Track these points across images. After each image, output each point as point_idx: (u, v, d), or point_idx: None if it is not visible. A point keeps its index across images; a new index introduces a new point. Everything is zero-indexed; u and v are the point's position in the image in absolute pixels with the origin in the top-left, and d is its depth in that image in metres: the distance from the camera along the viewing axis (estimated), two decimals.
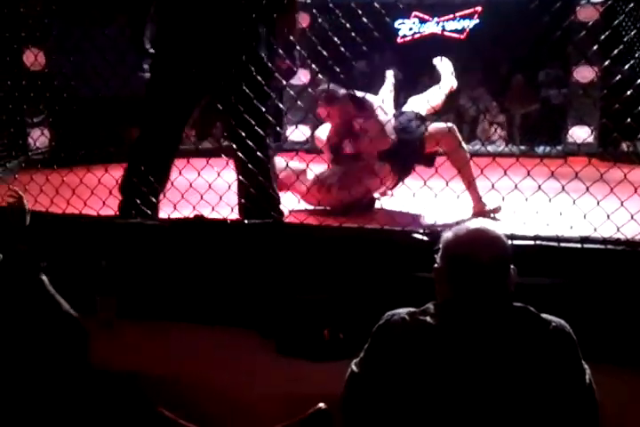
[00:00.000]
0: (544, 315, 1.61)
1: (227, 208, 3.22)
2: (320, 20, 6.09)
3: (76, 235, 3.09)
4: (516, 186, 2.77)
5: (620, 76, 3.25)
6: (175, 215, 3.17)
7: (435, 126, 3.97)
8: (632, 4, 4.55)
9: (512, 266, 1.65)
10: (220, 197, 3.22)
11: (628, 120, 3.08)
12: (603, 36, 3.43)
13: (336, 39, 3.33)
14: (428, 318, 1.60)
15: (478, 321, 1.58)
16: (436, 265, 1.68)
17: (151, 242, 3.02)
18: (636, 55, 5.62)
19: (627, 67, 3.41)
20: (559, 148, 7.67)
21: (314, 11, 7.42)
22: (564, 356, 1.56)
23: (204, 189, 3.23)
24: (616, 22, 3.95)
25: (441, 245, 1.67)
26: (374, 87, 5.08)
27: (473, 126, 8.71)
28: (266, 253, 2.86)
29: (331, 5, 3.49)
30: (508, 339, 1.55)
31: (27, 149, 5.79)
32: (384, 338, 1.63)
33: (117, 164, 3.61)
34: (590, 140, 7.10)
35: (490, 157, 2.97)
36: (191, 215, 3.10)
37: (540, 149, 7.73)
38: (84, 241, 3.04)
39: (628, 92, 3.06)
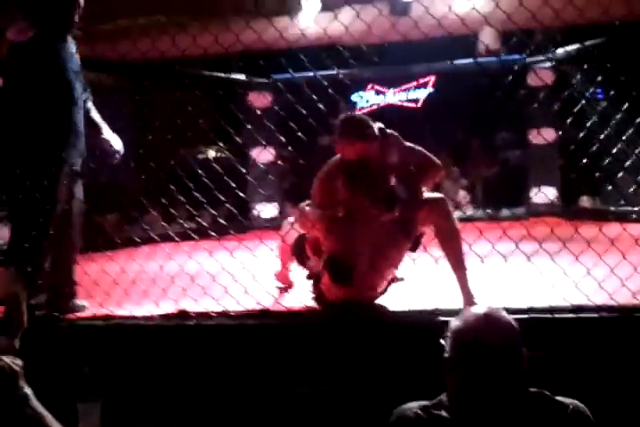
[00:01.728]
0: (559, 397, 1.55)
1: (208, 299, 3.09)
2: (274, 99, 6.21)
3: (54, 339, 2.94)
4: (504, 258, 2.76)
5: (578, 136, 3.30)
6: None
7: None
8: (579, 76, 4.62)
9: (523, 347, 1.59)
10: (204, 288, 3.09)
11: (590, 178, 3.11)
12: (556, 106, 3.52)
13: (295, 118, 3.34)
14: (443, 412, 1.52)
15: (495, 411, 1.51)
16: (445, 355, 1.61)
17: (133, 343, 2.87)
18: (590, 115, 5.76)
19: (584, 130, 3.44)
20: (522, 209, 7.77)
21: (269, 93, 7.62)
22: None
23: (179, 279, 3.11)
24: (567, 92, 4.06)
25: (449, 334, 1.61)
26: None
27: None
28: (256, 347, 2.75)
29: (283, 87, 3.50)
30: None
31: None
32: None
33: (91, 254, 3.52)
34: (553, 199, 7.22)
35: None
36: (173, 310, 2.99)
37: (505, 212, 7.83)
38: (63, 346, 2.90)
39: (585, 160, 3.11)
